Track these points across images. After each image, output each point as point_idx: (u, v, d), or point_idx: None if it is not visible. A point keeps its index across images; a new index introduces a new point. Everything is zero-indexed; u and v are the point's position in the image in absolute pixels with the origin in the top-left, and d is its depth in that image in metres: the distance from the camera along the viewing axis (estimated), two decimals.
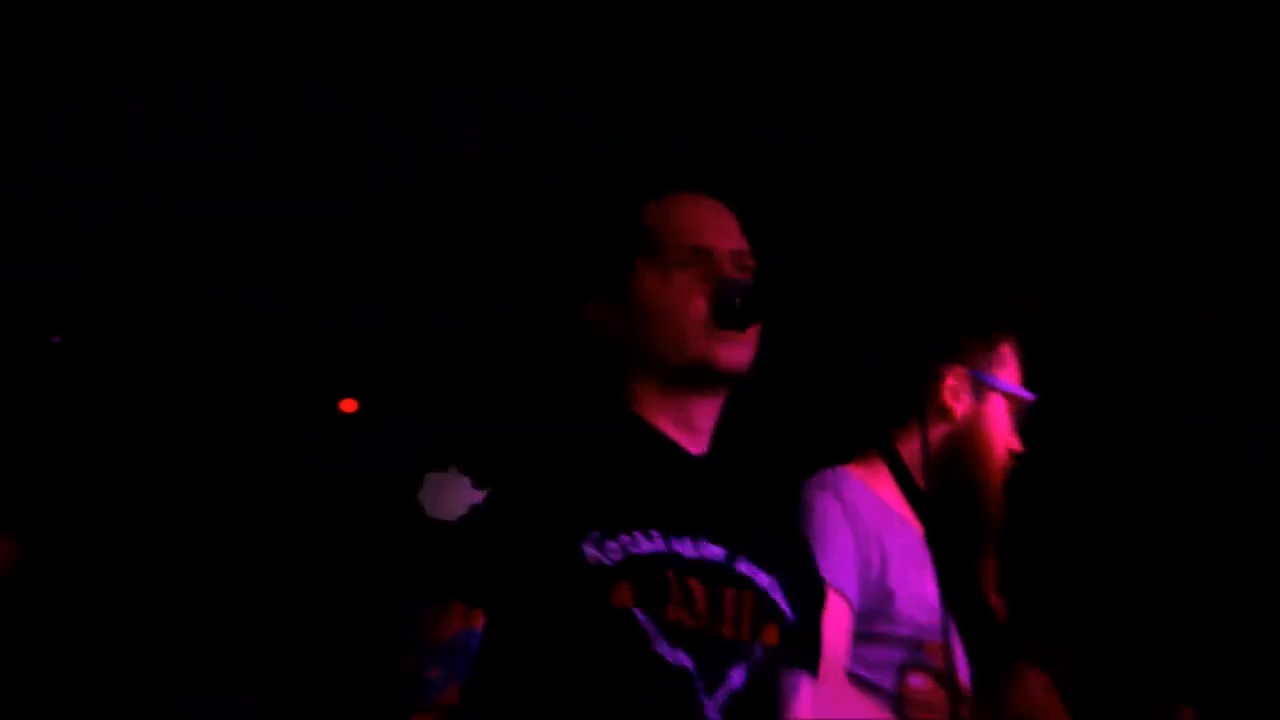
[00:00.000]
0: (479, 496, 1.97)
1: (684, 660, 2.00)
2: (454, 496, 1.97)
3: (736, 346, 2.10)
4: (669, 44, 4.91)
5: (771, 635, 2.11)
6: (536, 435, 2.10)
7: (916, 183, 5.37)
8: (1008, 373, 2.87)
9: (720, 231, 2.19)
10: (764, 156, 5.26)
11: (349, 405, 5.77)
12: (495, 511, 1.97)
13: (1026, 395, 2.86)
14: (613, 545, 2.00)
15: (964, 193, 5.31)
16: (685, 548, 2.06)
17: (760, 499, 2.25)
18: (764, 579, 2.13)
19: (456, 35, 4.64)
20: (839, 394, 2.32)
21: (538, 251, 2.61)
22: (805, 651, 2.22)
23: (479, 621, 1.96)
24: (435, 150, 5.00)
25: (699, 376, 2.13)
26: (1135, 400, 5.49)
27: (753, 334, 2.12)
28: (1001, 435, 2.83)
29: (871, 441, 2.65)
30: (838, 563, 2.58)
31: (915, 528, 2.72)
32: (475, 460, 2.00)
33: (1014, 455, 2.85)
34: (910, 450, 2.68)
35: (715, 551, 2.09)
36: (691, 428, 2.17)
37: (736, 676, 2.05)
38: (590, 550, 1.98)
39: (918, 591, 2.65)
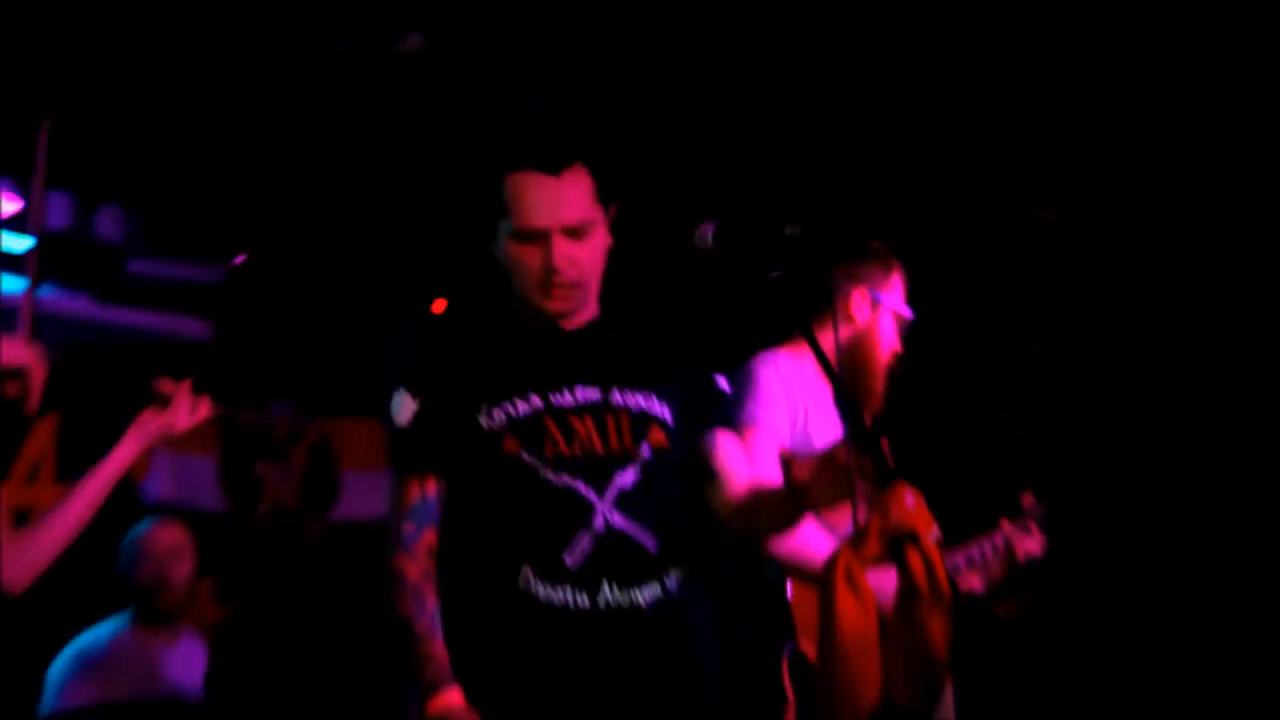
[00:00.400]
0: (414, 405, 2.88)
1: (566, 480, 2.86)
2: (404, 408, 2.89)
3: (560, 301, 2.93)
4: (669, 45, 4.96)
5: (657, 437, 2.95)
6: (449, 348, 2.99)
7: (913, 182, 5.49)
8: (895, 296, 3.92)
9: (553, 212, 2.90)
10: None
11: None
12: (426, 413, 2.88)
13: (907, 313, 3.93)
14: (499, 411, 2.89)
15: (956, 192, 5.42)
16: (564, 398, 2.92)
17: (636, 348, 3.05)
18: (639, 400, 2.96)
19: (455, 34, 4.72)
20: (779, 299, 2.99)
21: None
22: (698, 434, 3.01)
23: (432, 488, 2.87)
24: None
25: (544, 315, 2.97)
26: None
27: (576, 292, 2.93)
28: (888, 338, 3.90)
29: (800, 331, 3.38)
30: (769, 410, 3.65)
31: (827, 392, 3.74)
32: (413, 381, 2.91)
33: (895, 354, 3.91)
34: (825, 341, 3.49)
35: (591, 393, 2.94)
36: (565, 319, 3.00)
37: (626, 477, 2.89)
38: (483, 420, 2.88)
39: (830, 434, 3.68)
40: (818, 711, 3.08)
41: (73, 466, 5.47)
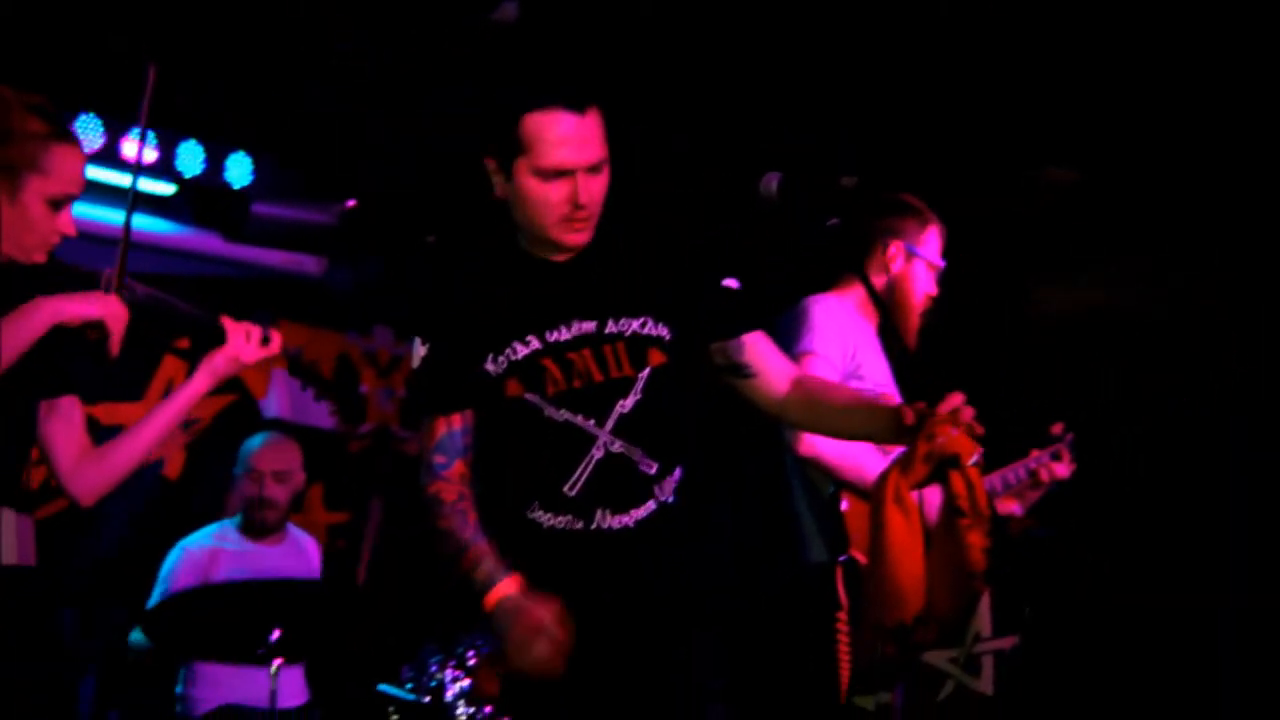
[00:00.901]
0: (423, 350, 3.03)
1: (566, 415, 2.99)
2: (417, 353, 3.04)
3: (577, 234, 2.97)
4: (670, 45, 5.21)
5: (655, 357, 3.03)
6: (451, 297, 3.06)
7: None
8: (930, 247, 4.25)
9: (580, 150, 2.90)
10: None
11: None
12: (437, 357, 3.02)
13: (940, 262, 4.27)
14: (502, 357, 2.99)
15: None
16: (560, 334, 3.00)
17: (629, 272, 3.05)
18: (634, 324, 3.02)
19: None
20: (835, 244, 3.36)
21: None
22: (713, 336, 3.13)
23: (457, 423, 2.99)
24: None
25: (555, 247, 3.00)
26: None
27: (591, 223, 2.97)
28: (922, 285, 4.25)
29: (851, 274, 4.06)
30: (825, 339, 3.94)
31: (873, 327, 4.18)
32: (423, 329, 3.06)
33: (931, 297, 4.26)
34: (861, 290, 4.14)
35: (587, 325, 3.00)
36: (562, 254, 3.03)
37: (627, 403, 3.01)
38: (490, 366, 2.99)
39: (876, 364, 4.08)
40: (867, 616, 3.39)
41: None
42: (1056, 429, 4.53)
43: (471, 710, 4.72)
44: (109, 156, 5.39)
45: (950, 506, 3.28)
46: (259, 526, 5.21)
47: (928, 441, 3.11)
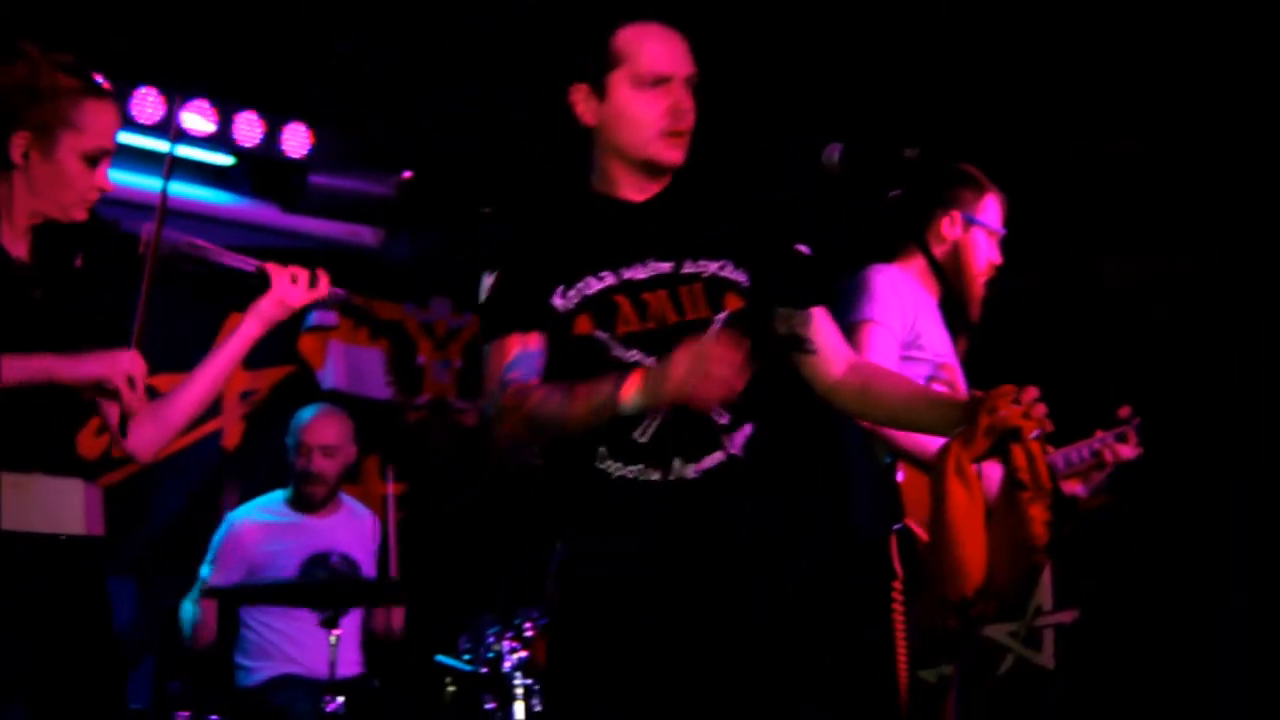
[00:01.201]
0: (491, 279, 2.90)
1: (637, 356, 2.85)
2: (485, 283, 2.90)
3: (676, 150, 2.92)
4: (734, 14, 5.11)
5: (733, 302, 2.92)
6: (524, 234, 2.98)
7: None
8: (989, 216, 4.21)
9: (677, 60, 2.91)
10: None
11: None
12: (508, 281, 2.88)
13: (998, 229, 4.23)
14: (573, 291, 2.87)
15: None
16: (636, 272, 2.90)
17: (709, 216, 2.99)
18: (712, 266, 2.93)
19: None
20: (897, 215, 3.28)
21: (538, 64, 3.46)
22: (781, 298, 3.03)
23: (533, 342, 2.86)
24: None
25: (650, 167, 2.94)
26: None
27: (686, 141, 2.92)
28: (983, 253, 4.20)
29: (915, 244, 4.03)
30: (885, 307, 3.90)
31: (933, 299, 4.14)
32: (493, 262, 2.92)
33: (994, 265, 4.22)
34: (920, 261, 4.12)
35: (663, 265, 2.91)
36: (642, 192, 2.97)
37: None
38: (558, 300, 2.87)
39: (936, 336, 4.05)
40: (926, 589, 3.42)
41: (259, 355, 5.96)
42: (1124, 411, 4.46)
43: (529, 681, 4.74)
44: (167, 128, 5.38)
45: (1011, 480, 3.27)
46: (306, 500, 5.25)
47: (989, 415, 3.10)
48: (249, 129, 5.73)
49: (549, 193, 3.06)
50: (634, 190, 2.98)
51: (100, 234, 3.08)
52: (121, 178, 3.25)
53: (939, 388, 3.92)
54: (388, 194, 6.18)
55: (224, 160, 5.89)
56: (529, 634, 4.88)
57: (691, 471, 2.88)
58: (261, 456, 5.90)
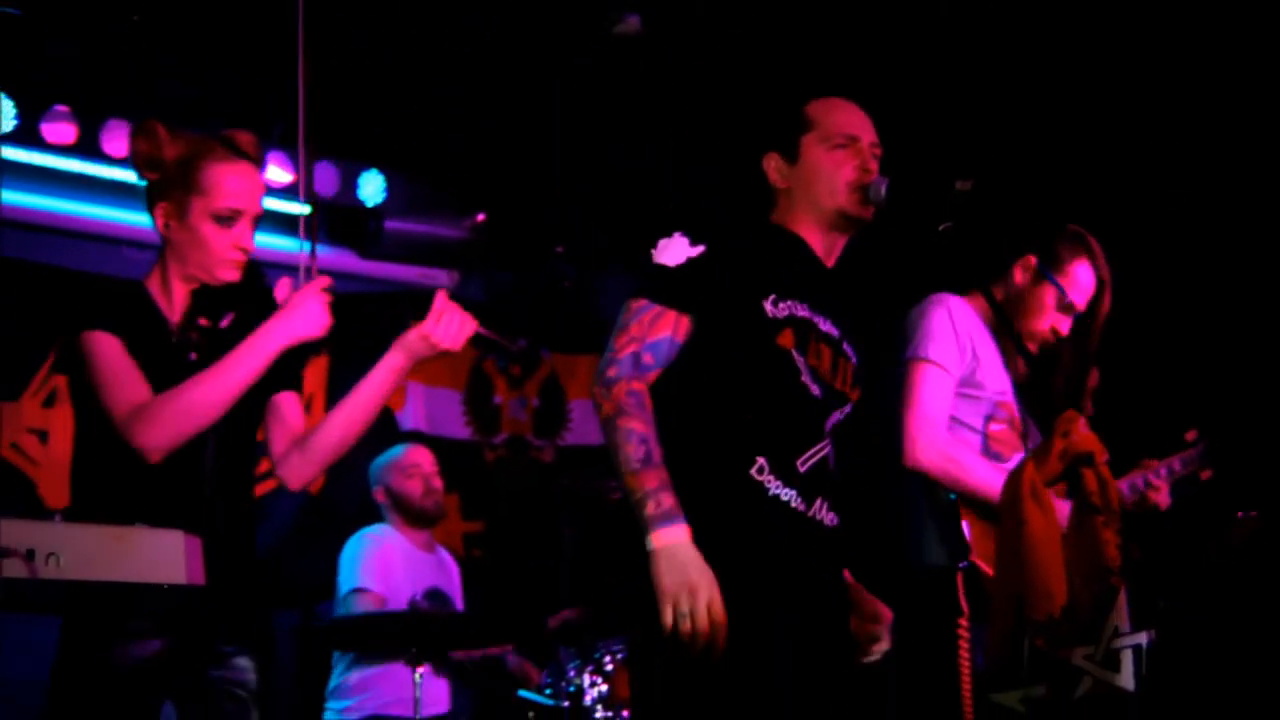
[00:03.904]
0: (696, 250, 2.94)
1: (817, 392, 2.99)
2: (678, 249, 2.94)
3: (866, 207, 3.08)
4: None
5: (857, 395, 3.10)
6: (743, 235, 3.10)
7: None
8: (1073, 282, 4.02)
9: (863, 127, 3.15)
10: None
11: None
12: (705, 260, 2.93)
13: (1078, 302, 4.03)
14: (783, 305, 2.97)
15: None
16: (821, 322, 3.04)
17: (858, 307, 3.19)
18: (855, 358, 3.12)
19: None
20: (948, 250, 3.17)
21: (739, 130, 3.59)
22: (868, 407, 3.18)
23: (682, 333, 2.89)
24: None
25: (840, 220, 3.12)
26: None
27: (872, 201, 3.06)
28: (1048, 314, 4.02)
29: (975, 282, 3.90)
30: (943, 346, 3.83)
31: (992, 341, 3.99)
32: (699, 232, 2.97)
33: (1053, 330, 4.03)
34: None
35: (833, 330, 3.07)
36: (828, 253, 3.15)
37: (836, 416, 3.05)
38: (769, 306, 2.96)
39: (996, 373, 3.95)
40: (995, 619, 3.34)
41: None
42: (1190, 435, 4.38)
43: (609, 714, 4.79)
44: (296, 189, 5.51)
45: (1084, 503, 3.32)
46: (429, 516, 5.36)
47: (1063, 439, 3.17)
48: (324, 178, 5.85)
49: (752, 217, 3.19)
50: (821, 248, 3.14)
51: (251, 293, 3.18)
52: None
53: (997, 426, 3.94)
54: (461, 236, 6.29)
55: (301, 210, 6.00)
56: (609, 667, 4.93)
57: (829, 518, 2.99)
58: (344, 499, 5.99)
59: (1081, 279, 4.07)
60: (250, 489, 3.30)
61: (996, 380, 3.98)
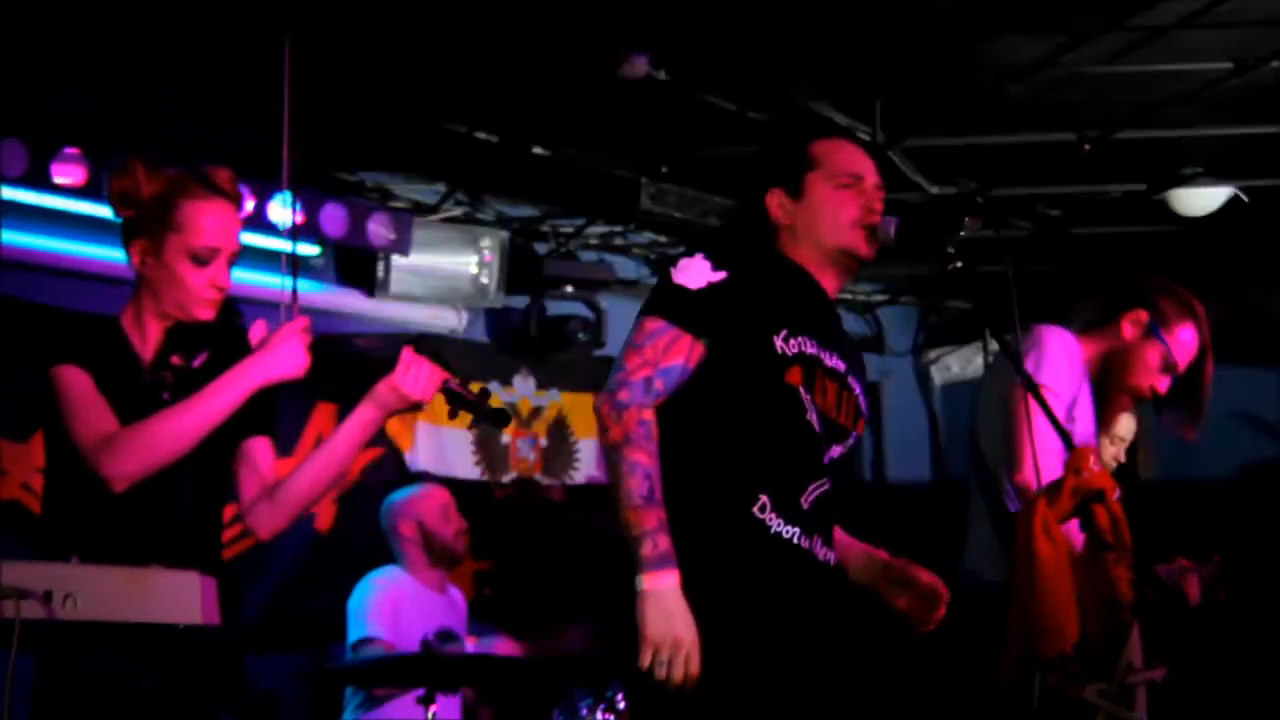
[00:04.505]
0: (718, 276, 2.92)
1: (819, 429, 2.97)
2: (700, 273, 2.93)
3: (871, 245, 3.08)
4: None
5: (860, 428, 3.11)
6: (755, 266, 3.05)
7: None
8: (1174, 339, 4.05)
9: (867, 168, 3.15)
10: None
11: None
12: (729, 289, 2.92)
13: (1179, 363, 4.06)
14: (794, 342, 2.95)
15: None
16: (827, 358, 3.04)
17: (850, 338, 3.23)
18: (859, 390, 3.12)
19: None
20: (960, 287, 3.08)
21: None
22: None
23: (695, 360, 2.87)
24: None
25: (842, 258, 3.12)
26: None
27: (880, 240, 3.08)
28: (1146, 370, 4.06)
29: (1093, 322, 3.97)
30: (1056, 374, 3.84)
31: (1089, 378, 4.02)
32: (720, 259, 2.95)
33: (1152, 389, 4.08)
34: (1091, 346, 4.06)
35: (839, 365, 3.07)
36: (829, 287, 3.14)
37: (837, 450, 3.04)
38: (779, 342, 2.93)
39: (1085, 414, 3.97)
40: (1009, 653, 3.42)
41: None
42: (1216, 558, 4.36)
43: None
44: (257, 220, 5.52)
45: (1096, 540, 3.35)
46: (457, 558, 5.44)
47: (1075, 476, 3.19)
48: (334, 220, 5.86)
49: (760, 249, 3.17)
50: (824, 280, 3.13)
51: (225, 332, 3.18)
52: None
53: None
54: (470, 275, 6.31)
55: (311, 250, 6.05)
56: (621, 706, 4.91)
57: (828, 556, 3.00)
58: (353, 538, 6.00)
59: (1186, 341, 4.08)
60: (221, 533, 3.28)
61: (1085, 423, 3.98)
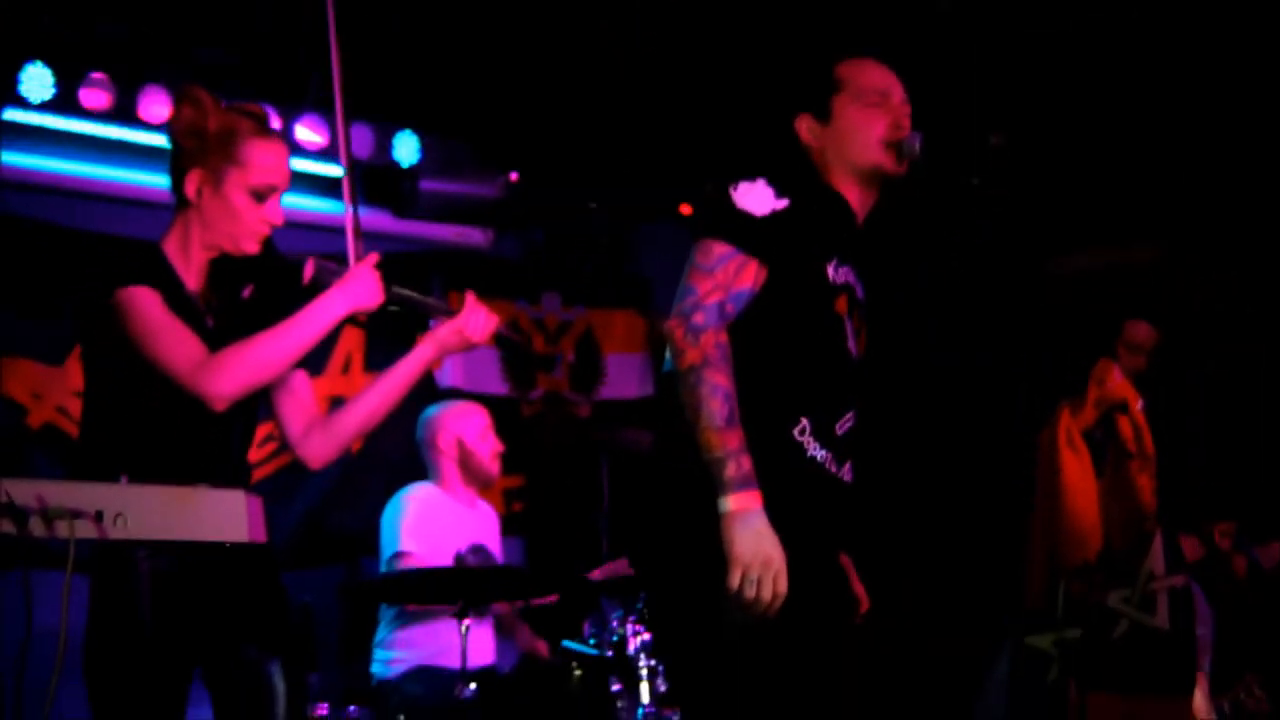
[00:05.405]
0: (781, 204, 2.93)
1: (854, 353, 3.03)
2: (764, 198, 2.93)
3: (900, 162, 3.08)
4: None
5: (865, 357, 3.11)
6: (826, 198, 3.09)
7: None
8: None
9: (893, 85, 3.15)
10: None
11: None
12: (787, 215, 2.92)
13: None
14: (842, 270, 3.03)
15: None
16: (858, 289, 3.08)
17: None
18: (864, 326, 3.11)
19: None
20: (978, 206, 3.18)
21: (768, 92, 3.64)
22: None
23: (760, 285, 2.89)
24: None
25: (875, 177, 3.12)
26: None
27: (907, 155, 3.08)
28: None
29: None
30: None
31: None
32: (782, 185, 2.95)
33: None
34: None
35: (860, 293, 3.09)
36: (862, 211, 3.15)
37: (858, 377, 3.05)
38: (831, 270, 3.00)
39: None
40: (1033, 564, 3.61)
41: (379, 359, 6.10)
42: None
43: (652, 663, 4.85)
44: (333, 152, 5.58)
45: (1120, 450, 3.42)
46: (491, 480, 5.43)
47: (1098, 386, 3.25)
48: (360, 140, 5.89)
49: (807, 175, 3.18)
50: (856, 206, 3.14)
51: (269, 266, 3.25)
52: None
53: None
54: (495, 195, 6.34)
55: (335, 171, 6.08)
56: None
57: (849, 476, 3.03)
58: (385, 455, 6.06)
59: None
60: (249, 454, 3.36)
61: None
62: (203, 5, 5.28)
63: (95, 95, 5.40)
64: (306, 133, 5.75)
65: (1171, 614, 3.43)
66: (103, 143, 5.58)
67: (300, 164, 5.79)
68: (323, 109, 5.77)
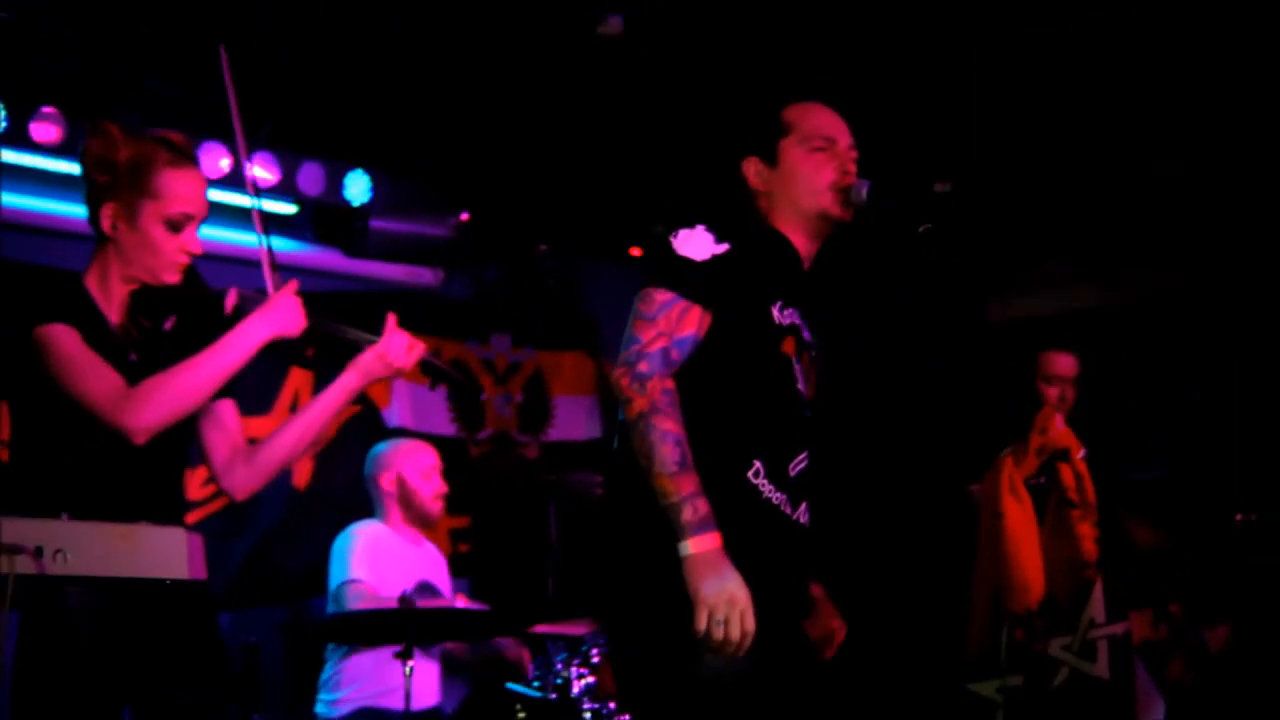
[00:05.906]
0: (721, 248, 2.95)
1: (805, 394, 3.05)
2: (703, 244, 2.95)
3: (846, 208, 3.12)
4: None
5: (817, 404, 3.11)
6: (765, 239, 3.11)
7: None
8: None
9: (840, 130, 3.18)
10: None
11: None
12: (728, 259, 2.95)
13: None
14: (787, 312, 3.04)
15: None
16: (804, 330, 3.08)
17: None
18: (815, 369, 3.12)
19: None
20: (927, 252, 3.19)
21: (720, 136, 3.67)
22: None
23: (704, 331, 2.91)
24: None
25: (820, 222, 3.15)
26: None
27: (854, 203, 3.10)
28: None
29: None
30: None
31: None
32: (721, 229, 2.97)
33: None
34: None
35: (808, 336, 3.09)
36: (807, 255, 3.17)
37: (808, 418, 3.08)
38: (776, 312, 3.02)
39: None
40: (975, 611, 3.61)
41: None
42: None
43: (596, 706, 4.85)
44: (234, 180, 5.54)
45: (1061, 498, 3.43)
46: (433, 521, 5.40)
47: (1040, 435, 3.27)
48: (311, 178, 5.89)
49: (751, 218, 3.22)
50: (802, 250, 3.17)
51: (191, 297, 3.23)
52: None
53: None
54: (446, 235, 6.35)
55: (288, 209, 6.07)
56: (595, 660, 4.98)
57: (805, 518, 3.03)
58: (331, 494, 6.04)
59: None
60: (183, 490, 3.32)
61: None
62: (154, 41, 5.25)
63: (46, 129, 5.37)
64: (259, 170, 5.73)
65: (1111, 663, 3.46)
66: (42, 174, 5.54)
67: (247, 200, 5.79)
68: (277, 146, 5.77)
